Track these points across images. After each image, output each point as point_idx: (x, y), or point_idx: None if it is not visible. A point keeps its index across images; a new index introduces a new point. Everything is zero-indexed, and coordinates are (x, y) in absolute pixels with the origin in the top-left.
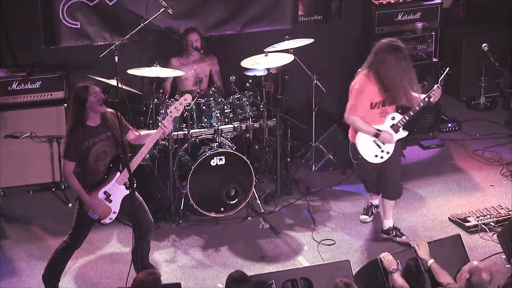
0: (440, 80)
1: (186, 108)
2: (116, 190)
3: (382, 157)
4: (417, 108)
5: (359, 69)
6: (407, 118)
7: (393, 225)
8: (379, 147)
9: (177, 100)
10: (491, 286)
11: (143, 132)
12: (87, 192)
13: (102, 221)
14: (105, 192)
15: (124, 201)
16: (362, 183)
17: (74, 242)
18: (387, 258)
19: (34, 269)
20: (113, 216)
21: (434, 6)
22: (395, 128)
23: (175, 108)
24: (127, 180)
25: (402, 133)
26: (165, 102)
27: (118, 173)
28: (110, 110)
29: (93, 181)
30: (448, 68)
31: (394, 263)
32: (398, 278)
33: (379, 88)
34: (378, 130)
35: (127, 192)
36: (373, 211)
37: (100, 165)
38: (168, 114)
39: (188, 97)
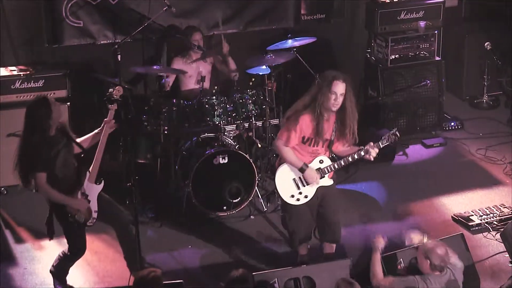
0: (383, 138)
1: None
2: (91, 189)
3: (298, 199)
4: (350, 159)
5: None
6: (336, 166)
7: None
8: (298, 188)
9: (112, 93)
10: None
11: (82, 138)
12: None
13: (88, 223)
14: (82, 194)
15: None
16: (289, 235)
17: (77, 251)
18: (376, 238)
19: (36, 268)
20: (95, 215)
21: (437, 5)
22: (320, 172)
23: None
24: (96, 176)
25: (327, 181)
26: (168, 101)
27: (88, 172)
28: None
29: (65, 187)
30: (395, 129)
31: (380, 244)
32: (377, 259)
33: (315, 123)
34: (305, 164)
35: (101, 187)
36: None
37: (67, 171)
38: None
39: (120, 89)
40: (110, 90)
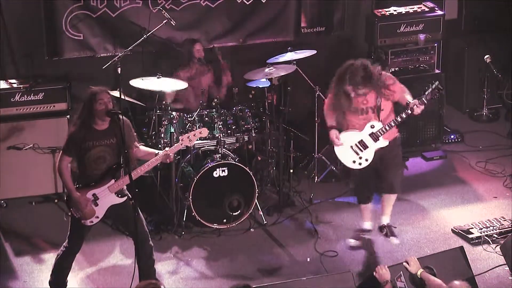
0: (426, 93)
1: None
2: (106, 196)
3: (360, 163)
4: (399, 119)
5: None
6: (387, 128)
7: (388, 223)
8: (357, 153)
9: (192, 130)
10: None
11: (142, 147)
12: (77, 188)
13: (82, 221)
14: (93, 195)
15: (112, 209)
16: (355, 193)
17: (72, 245)
18: (380, 271)
19: (35, 281)
20: (95, 220)
21: (436, 18)
22: (374, 136)
23: (188, 137)
24: (120, 189)
25: (382, 142)
26: (168, 114)
27: (113, 181)
28: (124, 119)
29: (85, 181)
30: (437, 82)
31: (387, 276)
32: None
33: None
34: (331, 125)
35: (118, 201)
36: (363, 236)
37: (95, 168)
38: (179, 141)
39: (204, 131)
40: (189, 129)
